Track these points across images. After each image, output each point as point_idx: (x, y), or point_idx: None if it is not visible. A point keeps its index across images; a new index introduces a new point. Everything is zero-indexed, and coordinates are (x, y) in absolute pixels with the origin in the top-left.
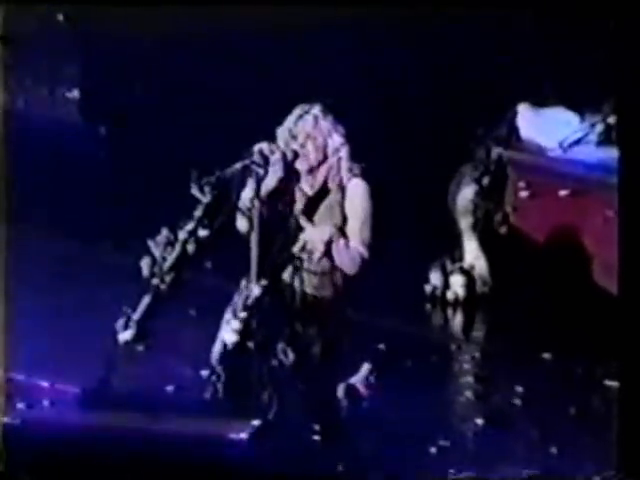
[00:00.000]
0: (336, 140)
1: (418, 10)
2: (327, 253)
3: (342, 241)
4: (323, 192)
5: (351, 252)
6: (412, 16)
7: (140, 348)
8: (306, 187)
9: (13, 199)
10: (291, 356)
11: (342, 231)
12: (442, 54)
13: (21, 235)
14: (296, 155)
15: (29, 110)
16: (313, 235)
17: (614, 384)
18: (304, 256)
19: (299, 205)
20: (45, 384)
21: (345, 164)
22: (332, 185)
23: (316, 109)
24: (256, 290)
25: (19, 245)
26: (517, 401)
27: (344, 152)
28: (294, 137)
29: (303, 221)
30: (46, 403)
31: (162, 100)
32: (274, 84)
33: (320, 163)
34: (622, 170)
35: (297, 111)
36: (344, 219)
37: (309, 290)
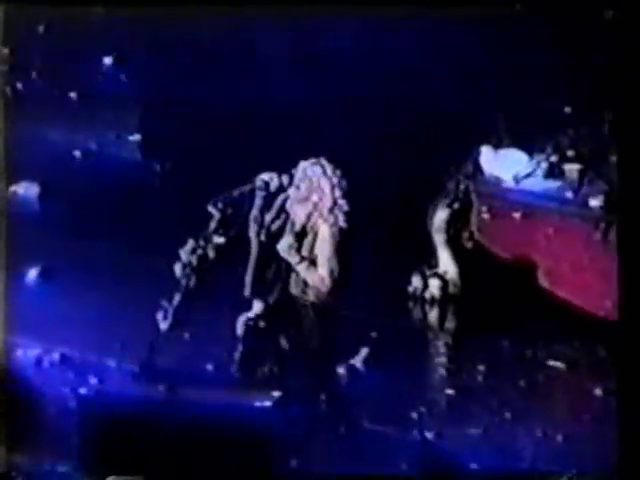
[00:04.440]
0: (324, 192)
1: (405, 67)
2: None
3: (310, 267)
4: (303, 229)
5: (318, 275)
6: (400, 68)
7: (178, 334)
8: (291, 219)
9: (80, 218)
10: (304, 344)
11: (312, 261)
12: (423, 110)
13: (93, 247)
14: (291, 185)
15: (101, 151)
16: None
17: (556, 364)
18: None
19: (289, 232)
20: (112, 363)
21: (325, 216)
22: (308, 227)
23: (330, 167)
24: (262, 304)
25: (93, 255)
26: (479, 377)
27: (326, 205)
28: (305, 173)
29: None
30: (114, 378)
31: (196, 141)
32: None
33: (306, 199)
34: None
35: (315, 160)
36: (313, 252)
37: (299, 295)
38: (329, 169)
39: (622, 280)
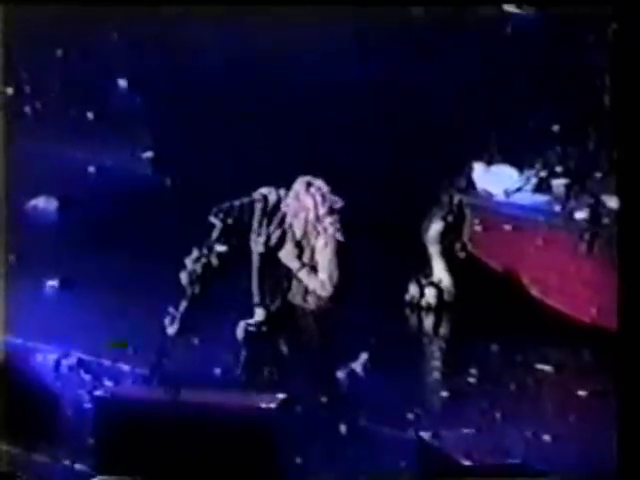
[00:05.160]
0: (309, 209)
1: (398, 86)
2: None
3: (311, 273)
4: (301, 239)
5: (319, 280)
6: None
7: (185, 339)
8: (292, 230)
9: (95, 229)
10: (306, 349)
11: (312, 267)
12: (418, 128)
13: (107, 257)
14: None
15: (115, 167)
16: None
17: (545, 367)
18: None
19: (289, 241)
20: (127, 367)
21: (317, 230)
22: (306, 238)
23: (315, 185)
24: (263, 311)
25: (107, 265)
26: (472, 379)
27: (313, 220)
28: (294, 190)
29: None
30: (128, 381)
31: (203, 160)
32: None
33: (296, 214)
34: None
35: (309, 178)
36: (314, 260)
37: (300, 303)
38: (313, 187)
39: (621, 288)
